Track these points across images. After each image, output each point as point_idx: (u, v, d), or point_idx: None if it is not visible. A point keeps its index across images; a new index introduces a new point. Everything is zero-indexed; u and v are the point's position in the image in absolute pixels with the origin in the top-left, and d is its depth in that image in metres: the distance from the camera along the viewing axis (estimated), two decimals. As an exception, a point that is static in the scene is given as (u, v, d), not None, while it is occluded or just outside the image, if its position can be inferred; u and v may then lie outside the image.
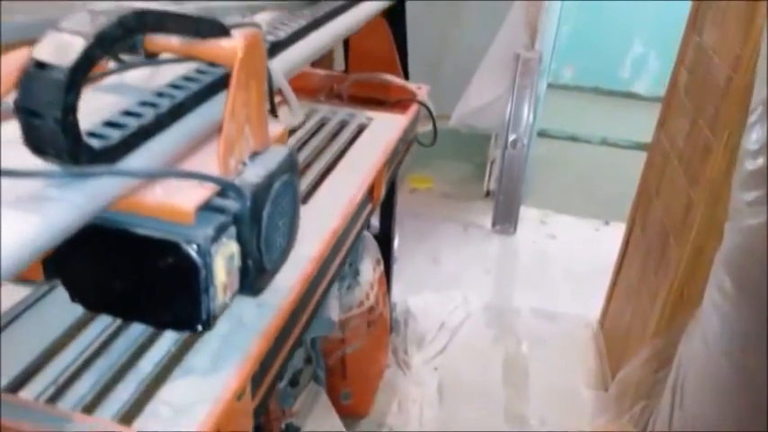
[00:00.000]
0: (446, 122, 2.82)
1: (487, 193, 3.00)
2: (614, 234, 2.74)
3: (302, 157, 1.15)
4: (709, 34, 1.46)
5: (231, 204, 0.56)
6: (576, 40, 4.32)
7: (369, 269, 1.60)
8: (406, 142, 1.36)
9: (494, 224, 2.75)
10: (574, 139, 3.83)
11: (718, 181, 1.31)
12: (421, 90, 1.42)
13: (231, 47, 0.57)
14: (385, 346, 1.84)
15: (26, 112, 0.42)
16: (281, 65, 0.78)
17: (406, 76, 1.51)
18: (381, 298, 1.69)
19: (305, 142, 1.20)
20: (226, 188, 0.55)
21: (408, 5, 2.74)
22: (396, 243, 2.06)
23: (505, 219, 2.76)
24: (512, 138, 2.65)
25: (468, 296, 2.27)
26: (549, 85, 3.37)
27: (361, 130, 1.27)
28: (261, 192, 0.59)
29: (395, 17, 1.41)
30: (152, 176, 0.51)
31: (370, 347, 1.67)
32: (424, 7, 2.82)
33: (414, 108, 1.37)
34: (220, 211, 0.55)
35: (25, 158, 0.45)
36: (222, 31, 0.59)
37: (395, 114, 1.31)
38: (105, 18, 0.45)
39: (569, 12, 3.94)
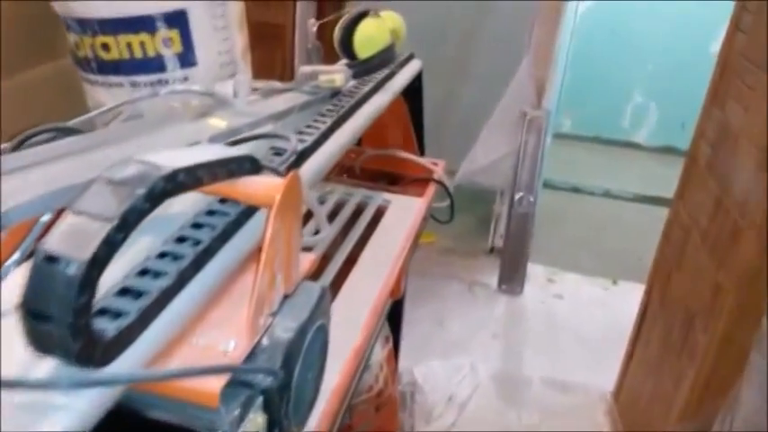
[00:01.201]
0: (451, 178, 2.78)
1: (492, 250, 2.94)
2: (623, 295, 2.68)
3: (321, 247, 1.08)
4: (734, 112, 1.42)
5: (260, 379, 0.48)
6: (576, 89, 4.31)
7: (377, 349, 1.52)
8: (424, 222, 1.30)
9: (500, 284, 2.68)
10: (577, 190, 3.79)
11: (749, 268, 1.25)
12: (438, 167, 1.37)
13: (268, 190, 0.51)
14: (393, 428, 1.74)
15: (32, 315, 0.35)
16: (309, 175, 0.72)
17: (422, 151, 1.45)
18: (390, 377, 1.60)
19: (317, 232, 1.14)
20: (255, 370, 0.48)
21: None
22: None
23: (512, 278, 2.69)
24: (518, 196, 2.60)
25: (477, 364, 2.19)
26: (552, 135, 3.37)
27: (379, 215, 1.20)
28: (293, 351, 0.52)
29: (412, 93, 1.36)
30: (173, 377, 0.43)
31: (378, 430, 1.58)
32: (432, 61, 2.81)
33: (431, 188, 1.31)
34: (248, 385, 0.48)
35: (25, 354, 0.37)
36: (255, 168, 0.53)
37: (412, 197, 1.25)
38: (129, 190, 0.38)
39: (571, 60, 3.96)
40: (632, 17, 4.13)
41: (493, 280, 2.71)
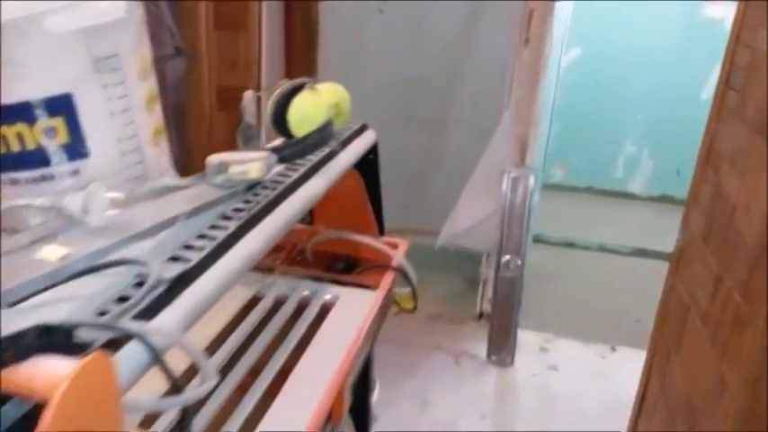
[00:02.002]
0: (434, 238, 2.63)
1: (480, 315, 2.76)
2: (622, 363, 2.49)
3: (249, 359, 0.91)
4: (730, 178, 1.27)
5: None
6: (567, 139, 4.22)
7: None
8: (381, 317, 1.13)
9: (489, 354, 2.49)
10: (570, 245, 3.63)
11: (758, 366, 1.07)
12: (398, 250, 1.21)
13: (48, 380, 0.34)
14: None
15: None
16: (188, 309, 0.56)
17: (381, 228, 1.30)
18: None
19: (254, 333, 0.97)
20: None
21: (396, 117, 2.58)
22: (375, 394, 1.79)
23: (501, 348, 2.50)
24: (505, 259, 2.44)
25: (463, 451, 1.98)
26: (541, 186, 3.23)
27: (324, 311, 1.04)
28: None
29: (367, 166, 1.21)
30: None
31: None
32: (412, 120, 2.69)
33: (388, 276, 1.15)
34: None
35: None
36: (51, 342, 0.37)
37: (365, 289, 1.09)
38: None
39: (558, 111, 3.86)
40: (619, 67, 4.06)
41: (482, 349, 2.52)
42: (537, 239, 3.44)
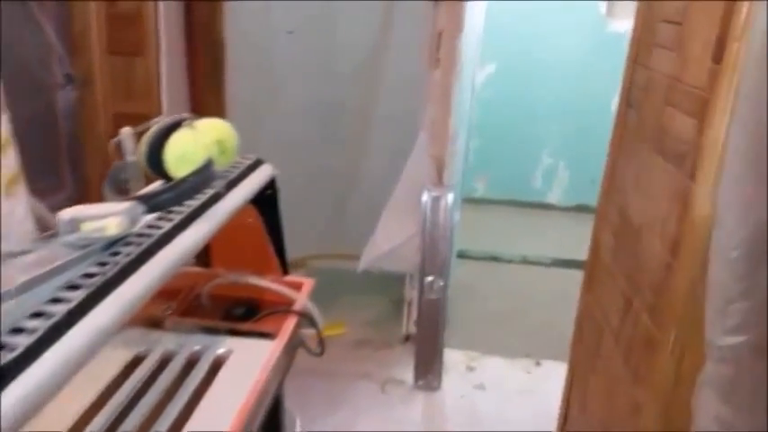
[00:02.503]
0: (356, 262, 2.55)
1: (407, 338, 2.70)
2: (547, 377, 2.49)
3: (131, 425, 0.81)
4: (634, 199, 1.27)
5: None
6: (487, 153, 4.29)
7: None
8: (285, 365, 1.05)
9: (416, 379, 2.43)
10: (494, 259, 3.66)
11: (669, 387, 1.06)
12: (302, 291, 1.13)
13: None
14: None
15: None
16: (87, 331, 0.46)
17: (284, 266, 1.22)
18: None
19: (137, 396, 0.86)
20: None
21: (312, 140, 2.49)
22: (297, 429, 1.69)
23: (428, 371, 2.45)
24: (428, 280, 2.40)
25: (392, 484, 1.91)
26: (463, 200, 3.22)
27: (217, 366, 0.95)
28: None
29: (265, 202, 1.13)
30: None
31: None
32: (329, 143, 2.62)
33: (291, 321, 1.06)
34: None
35: None
36: None
37: (263, 340, 1.00)
38: None
39: (478, 126, 3.91)
40: (534, 81, 4.16)
41: (409, 374, 2.46)
42: (461, 255, 3.44)
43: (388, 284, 2.96)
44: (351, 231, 2.68)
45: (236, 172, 1.04)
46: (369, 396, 2.36)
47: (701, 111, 0.97)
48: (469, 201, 3.98)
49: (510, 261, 3.65)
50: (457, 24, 2.21)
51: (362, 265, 2.40)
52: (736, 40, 0.87)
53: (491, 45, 3.63)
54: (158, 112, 2.02)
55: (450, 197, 2.43)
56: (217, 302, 1.15)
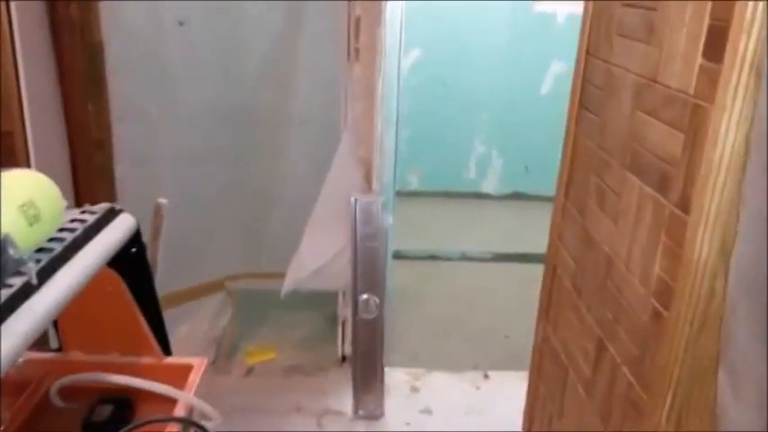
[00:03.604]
0: (281, 281, 2.26)
1: (343, 359, 2.45)
2: (497, 392, 2.31)
3: None
4: (599, 222, 1.05)
5: None
6: (418, 145, 4.06)
7: None
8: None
9: (356, 408, 2.19)
10: (433, 257, 3.45)
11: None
12: (188, 382, 0.85)
13: None
14: None
15: None
16: None
17: (164, 343, 0.93)
18: None
19: None
20: None
21: (217, 151, 2.12)
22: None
23: (368, 398, 2.21)
24: (363, 298, 2.15)
25: None
26: (397, 194, 2.97)
27: None
28: None
29: (130, 263, 0.84)
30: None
31: None
32: (238, 153, 2.29)
33: (173, 428, 0.78)
34: None
35: None
36: None
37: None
38: None
39: (406, 116, 3.66)
40: (461, 66, 3.96)
41: (348, 402, 2.22)
42: (397, 256, 3.20)
43: (319, 299, 2.69)
44: (272, 248, 2.39)
45: (82, 228, 0.74)
46: (303, 433, 2.10)
47: (692, 123, 0.75)
48: (402, 195, 3.74)
49: (449, 259, 3.45)
50: (376, 9, 1.94)
51: (287, 287, 2.12)
52: (744, 33, 0.65)
53: (414, 29, 3.37)
54: (21, 130, 1.66)
55: (381, 203, 2.18)
56: (73, 400, 0.85)
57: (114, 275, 0.83)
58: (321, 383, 2.35)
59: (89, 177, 2.02)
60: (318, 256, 2.10)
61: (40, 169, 1.73)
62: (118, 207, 0.82)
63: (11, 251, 0.55)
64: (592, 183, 1.07)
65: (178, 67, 2.11)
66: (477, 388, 2.35)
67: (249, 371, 2.39)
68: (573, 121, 1.19)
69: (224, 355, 2.41)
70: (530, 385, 1.40)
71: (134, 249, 0.83)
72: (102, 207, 0.80)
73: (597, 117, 1.08)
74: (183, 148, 2.17)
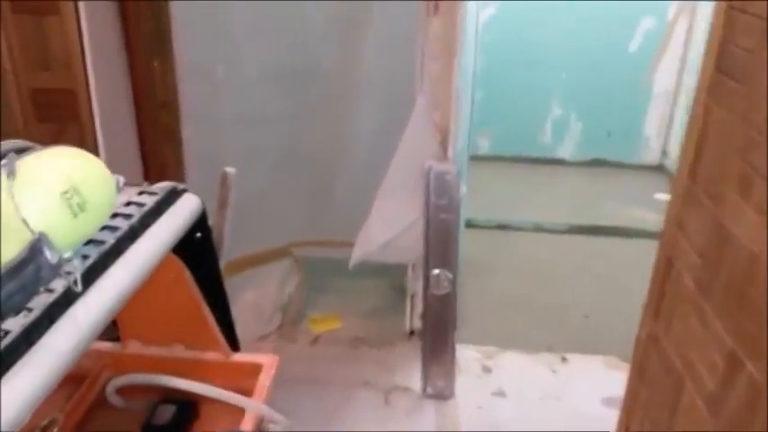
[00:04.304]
0: (348, 250, 2.16)
1: (412, 333, 2.35)
2: (575, 378, 2.15)
3: None
4: (739, 214, 0.87)
5: None
6: (490, 107, 3.84)
7: None
8: None
9: (425, 387, 2.09)
10: (503, 227, 3.28)
11: None
12: (258, 384, 0.75)
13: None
14: None
15: None
16: None
17: (231, 337, 0.83)
18: None
19: None
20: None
21: (285, 112, 1.99)
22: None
23: (438, 376, 2.10)
24: (434, 273, 2.02)
25: None
26: (468, 160, 2.79)
27: None
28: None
29: (195, 249, 0.73)
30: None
31: None
32: (305, 115, 2.18)
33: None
34: None
35: None
36: None
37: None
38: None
39: (480, 77, 3.45)
40: (538, 24, 3.68)
41: (416, 380, 2.12)
42: (467, 224, 3.05)
43: (386, 268, 2.58)
44: (338, 215, 2.29)
45: (139, 214, 0.63)
46: (371, 409, 2.03)
47: None
48: (473, 159, 3.54)
49: (520, 229, 3.26)
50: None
51: (354, 259, 2.02)
52: None
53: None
54: (86, 89, 1.59)
55: (457, 173, 2.02)
56: (133, 397, 0.77)
57: (177, 262, 0.73)
58: (388, 357, 2.26)
59: (155, 139, 1.95)
60: (389, 229, 1.98)
61: (106, 131, 1.66)
62: (181, 186, 0.71)
63: (47, 254, 0.45)
64: (733, 166, 0.89)
65: (244, 25, 2.00)
66: (554, 371, 2.21)
67: (315, 339, 2.33)
68: (704, 89, 0.99)
69: (290, 322, 2.36)
70: (629, 386, 1.25)
71: (199, 234, 0.72)
72: (162, 187, 0.70)
73: (743, 86, 0.88)
74: (248, 109, 2.07)
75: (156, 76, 1.91)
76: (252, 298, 2.28)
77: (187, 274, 0.76)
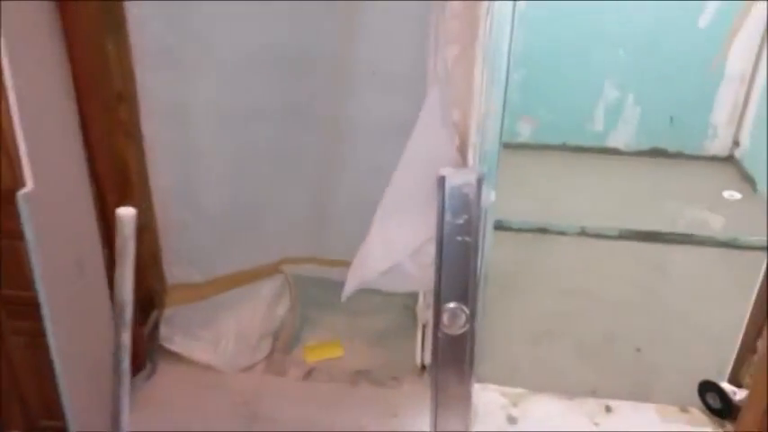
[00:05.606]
0: (342, 270, 1.78)
1: (423, 367, 1.99)
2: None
3: None
4: None
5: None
6: (533, 89, 3.40)
7: None
8: None
9: (433, 442, 1.73)
10: (542, 230, 2.85)
11: None
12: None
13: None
14: None
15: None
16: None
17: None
18: None
19: None
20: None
21: (270, 107, 1.62)
22: None
23: (451, 424, 1.74)
24: (448, 308, 1.63)
25: None
26: (504, 146, 2.35)
27: None
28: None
29: None
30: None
31: None
32: (296, 118, 1.78)
33: None
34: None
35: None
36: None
37: None
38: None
39: (521, 54, 2.99)
40: (594, -9, 3.18)
41: (424, 426, 1.76)
42: (499, 227, 2.62)
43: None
44: (337, 229, 1.92)
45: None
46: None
47: None
48: (511, 147, 3.10)
49: (562, 233, 2.83)
50: None
51: (348, 289, 1.65)
52: None
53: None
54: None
55: (479, 179, 1.61)
56: None
57: None
58: (395, 398, 1.91)
59: (110, 140, 1.61)
60: (391, 254, 1.60)
61: (32, 136, 1.32)
62: None
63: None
64: None
65: (215, 13, 1.60)
66: (596, 424, 1.81)
67: (308, 372, 1.99)
68: None
69: (281, 350, 2.02)
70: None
71: None
72: None
73: None
74: (227, 104, 1.70)
75: (112, 60, 1.56)
76: (235, 322, 1.94)
77: None
